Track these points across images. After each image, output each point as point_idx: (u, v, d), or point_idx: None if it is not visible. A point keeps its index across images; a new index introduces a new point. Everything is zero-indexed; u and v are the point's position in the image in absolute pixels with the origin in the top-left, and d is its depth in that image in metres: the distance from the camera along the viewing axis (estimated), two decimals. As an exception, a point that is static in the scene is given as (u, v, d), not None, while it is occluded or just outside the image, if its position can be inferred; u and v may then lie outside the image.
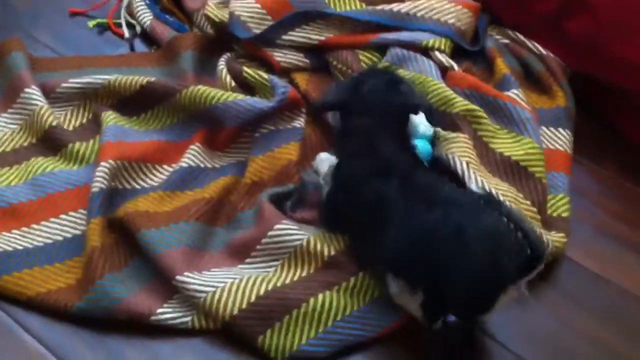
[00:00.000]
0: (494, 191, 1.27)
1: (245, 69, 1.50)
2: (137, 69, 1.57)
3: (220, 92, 1.43)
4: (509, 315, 1.23)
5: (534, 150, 1.36)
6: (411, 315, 1.15)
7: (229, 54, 1.56)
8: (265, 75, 1.49)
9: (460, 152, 1.32)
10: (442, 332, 1.13)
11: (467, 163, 1.30)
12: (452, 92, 1.42)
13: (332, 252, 1.23)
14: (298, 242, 1.24)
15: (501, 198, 1.26)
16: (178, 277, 1.20)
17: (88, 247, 1.22)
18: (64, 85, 1.50)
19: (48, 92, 1.50)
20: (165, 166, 1.39)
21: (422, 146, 1.26)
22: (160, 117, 1.47)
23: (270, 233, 1.25)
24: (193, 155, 1.39)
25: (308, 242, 1.24)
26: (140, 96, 1.48)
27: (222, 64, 1.52)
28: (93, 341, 1.19)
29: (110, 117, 1.44)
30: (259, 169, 1.37)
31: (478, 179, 1.28)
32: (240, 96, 1.43)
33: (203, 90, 1.44)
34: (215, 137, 1.42)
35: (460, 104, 1.39)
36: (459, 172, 1.29)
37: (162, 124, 1.46)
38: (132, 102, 1.48)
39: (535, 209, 1.31)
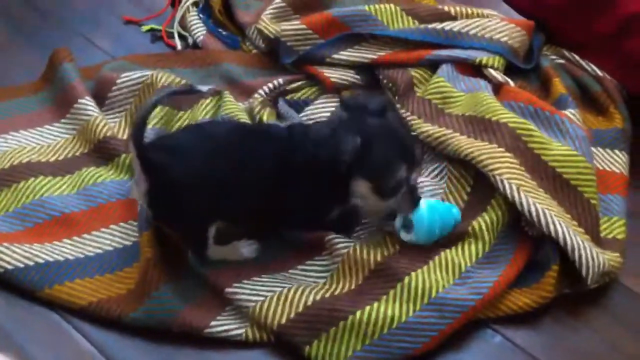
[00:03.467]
0: (547, 213, 1.25)
1: (265, 113, 1.48)
2: (170, 69, 1.58)
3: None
4: (558, 337, 1.22)
5: (586, 170, 1.33)
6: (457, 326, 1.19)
7: (271, 85, 1.54)
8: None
9: (508, 173, 1.30)
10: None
11: (518, 187, 1.28)
12: (501, 105, 1.40)
13: (379, 259, 1.24)
14: (345, 250, 1.24)
15: (554, 218, 1.25)
16: (228, 289, 1.21)
17: (143, 259, 1.22)
18: (114, 88, 1.52)
19: (102, 99, 1.51)
20: None
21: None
22: (199, 115, 1.48)
23: (323, 252, 1.27)
24: None
25: (355, 249, 1.24)
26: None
27: (257, 96, 1.52)
28: (145, 346, 1.20)
29: (151, 116, 1.42)
30: None
31: (530, 201, 1.26)
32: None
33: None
34: None
35: (508, 116, 1.38)
36: (509, 195, 1.27)
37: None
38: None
39: (582, 230, 1.29)
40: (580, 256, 1.23)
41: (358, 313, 1.18)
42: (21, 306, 1.24)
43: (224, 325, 1.19)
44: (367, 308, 1.18)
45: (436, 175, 1.40)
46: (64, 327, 1.22)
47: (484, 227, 1.28)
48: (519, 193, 1.27)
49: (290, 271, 1.26)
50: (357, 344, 1.16)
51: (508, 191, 1.28)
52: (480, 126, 1.38)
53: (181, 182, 1.17)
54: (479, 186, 1.34)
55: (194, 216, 1.20)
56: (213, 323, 1.19)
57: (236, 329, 1.19)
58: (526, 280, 1.26)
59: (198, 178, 1.17)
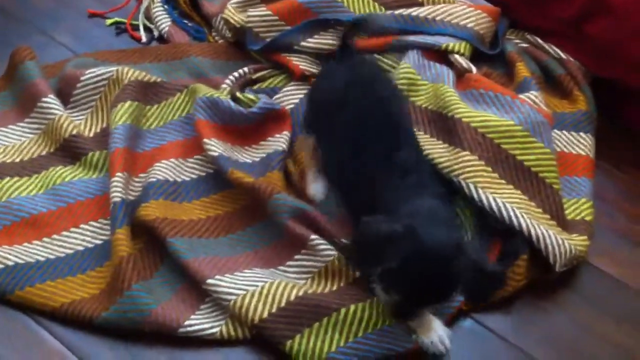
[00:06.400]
0: (508, 206, 1.27)
1: (238, 94, 1.49)
2: (135, 64, 1.56)
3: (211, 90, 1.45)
4: (529, 320, 1.24)
5: (545, 155, 1.35)
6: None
7: (236, 74, 1.54)
8: (252, 97, 1.48)
9: (466, 173, 1.31)
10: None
11: (475, 185, 1.29)
12: (459, 99, 1.41)
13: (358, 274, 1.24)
14: (329, 258, 1.24)
15: (515, 211, 1.27)
16: (209, 281, 1.20)
17: (115, 257, 1.21)
18: (79, 85, 1.50)
19: (66, 96, 1.49)
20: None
21: None
22: (171, 111, 1.48)
23: (302, 251, 1.26)
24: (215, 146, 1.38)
25: (338, 258, 1.24)
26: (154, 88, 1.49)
27: (225, 86, 1.52)
28: (117, 345, 1.19)
29: (120, 113, 1.42)
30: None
31: (490, 198, 1.28)
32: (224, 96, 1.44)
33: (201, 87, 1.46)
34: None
35: (464, 110, 1.38)
36: (469, 195, 1.29)
37: (172, 117, 1.47)
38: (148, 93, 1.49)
39: (547, 216, 1.30)
40: (546, 245, 1.25)
41: (343, 310, 1.18)
42: None
43: (198, 324, 1.19)
44: (352, 307, 1.18)
45: None
46: (34, 329, 1.21)
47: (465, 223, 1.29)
48: (477, 191, 1.29)
49: (271, 269, 1.26)
50: (340, 340, 1.16)
51: (467, 191, 1.29)
52: (440, 124, 1.39)
53: None
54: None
55: None
56: (187, 322, 1.18)
57: (210, 327, 1.19)
58: None
59: None
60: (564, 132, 1.46)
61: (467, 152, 1.33)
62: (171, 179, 1.35)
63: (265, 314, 1.18)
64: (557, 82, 1.54)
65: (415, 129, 1.35)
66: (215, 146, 1.37)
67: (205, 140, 1.38)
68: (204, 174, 1.39)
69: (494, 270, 1.10)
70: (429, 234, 1.06)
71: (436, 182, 1.21)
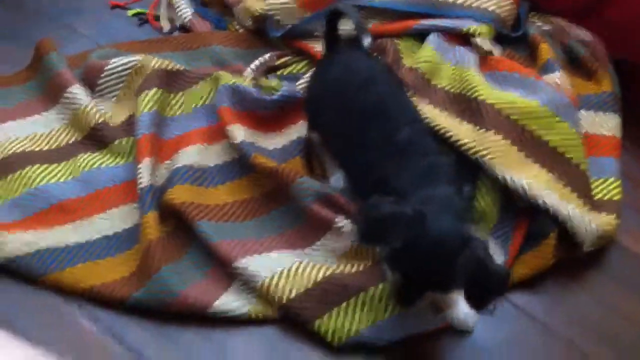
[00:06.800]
0: (535, 186, 1.27)
1: (261, 81, 1.50)
2: (157, 54, 1.57)
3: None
4: (557, 299, 1.24)
5: (570, 136, 1.35)
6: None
7: (258, 62, 1.54)
8: (274, 83, 1.49)
9: (491, 154, 1.30)
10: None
11: (502, 165, 1.29)
12: (484, 81, 1.41)
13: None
14: (354, 240, 1.24)
15: (542, 190, 1.26)
16: (237, 263, 1.21)
17: (144, 241, 1.22)
18: (103, 75, 1.51)
19: (91, 86, 1.50)
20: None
21: None
22: (194, 99, 1.49)
23: (327, 233, 1.26)
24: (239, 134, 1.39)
25: None
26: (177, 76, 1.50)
27: (249, 71, 1.53)
28: (149, 325, 1.20)
29: (145, 101, 1.43)
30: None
31: (516, 178, 1.27)
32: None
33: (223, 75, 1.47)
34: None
35: (488, 92, 1.38)
36: (496, 175, 1.28)
37: (196, 105, 1.48)
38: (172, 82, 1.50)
39: (575, 195, 1.30)
40: (573, 224, 1.25)
41: (371, 289, 1.19)
42: (22, 292, 1.23)
43: (227, 304, 1.20)
44: (380, 286, 1.19)
45: None
46: (64, 308, 1.21)
47: (485, 208, 1.29)
48: (503, 171, 1.29)
49: (298, 251, 1.26)
50: (368, 320, 1.17)
51: (493, 171, 1.29)
52: (464, 106, 1.39)
53: None
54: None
55: None
56: (216, 303, 1.19)
57: (239, 308, 1.20)
58: (524, 250, 1.27)
59: None
60: (590, 112, 1.46)
61: (492, 132, 1.33)
62: (196, 165, 1.36)
63: (294, 294, 1.19)
64: (581, 64, 1.53)
65: (437, 111, 1.35)
66: (238, 132, 1.38)
67: (228, 127, 1.39)
68: (229, 159, 1.39)
69: (498, 270, 1.07)
70: (437, 221, 1.06)
71: (437, 147, 1.21)
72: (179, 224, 1.27)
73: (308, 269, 1.21)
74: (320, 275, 1.20)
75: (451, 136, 1.34)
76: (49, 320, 1.20)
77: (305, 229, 1.28)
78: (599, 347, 1.19)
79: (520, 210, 1.29)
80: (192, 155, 1.38)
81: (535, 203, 1.27)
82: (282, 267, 1.21)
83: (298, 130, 1.42)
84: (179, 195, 1.28)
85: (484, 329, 1.18)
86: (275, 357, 1.17)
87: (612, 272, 1.29)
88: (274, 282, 1.19)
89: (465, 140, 1.33)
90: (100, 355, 1.16)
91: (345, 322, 1.17)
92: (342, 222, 1.26)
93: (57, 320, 1.20)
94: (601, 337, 1.21)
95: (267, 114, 1.45)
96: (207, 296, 1.19)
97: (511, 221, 1.29)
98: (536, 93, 1.39)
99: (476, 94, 1.39)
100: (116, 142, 1.41)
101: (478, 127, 1.35)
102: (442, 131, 1.34)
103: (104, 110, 1.48)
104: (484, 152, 1.31)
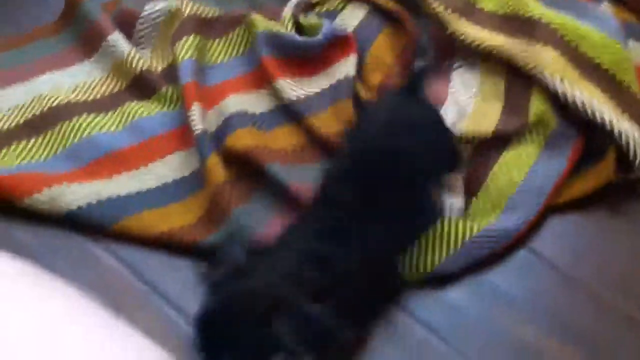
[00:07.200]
0: (593, 101, 1.27)
1: (301, 19, 1.48)
2: None
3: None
4: (583, 251, 1.23)
5: (622, 56, 1.35)
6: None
7: (294, 0, 1.52)
8: (315, 20, 1.46)
9: (550, 68, 1.31)
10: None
11: (562, 78, 1.29)
12: (534, 1, 1.40)
13: None
14: None
15: (600, 105, 1.27)
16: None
17: (212, 184, 1.21)
18: (140, 22, 1.48)
19: (127, 34, 1.47)
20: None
21: None
22: (234, 46, 1.47)
23: None
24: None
25: None
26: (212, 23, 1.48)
27: (287, 10, 1.50)
28: (176, 263, 1.18)
29: (185, 48, 1.41)
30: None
31: (574, 90, 1.28)
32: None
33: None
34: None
35: (540, 11, 1.38)
36: (552, 87, 1.29)
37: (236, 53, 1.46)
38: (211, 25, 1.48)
39: (627, 115, 1.30)
40: (629, 141, 1.26)
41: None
42: (47, 231, 1.21)
43: None
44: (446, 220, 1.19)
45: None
46: (90, 248, 1.19)
47: (541, 114, 1.29)
48: (562, 83, 1.29)
49: None
50: (442, 252, 1.17)
51: (551, 84, 1.29)
52: (515, 23, 1.38)
53: None
54: (514, 86, 1.36)
55: None
56: None
57: None
58: (585, 166, 1.28)
59: None
60: (637, 43, 1.45)
61: (550, 47, 1.34)
62: (250, 111, 1.35)
63: None
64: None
65: (486, 32, 1.36)
66: (290, 91, 1.37)
67: (275, 83, 1.37)
68: (275, 105, 1.38)
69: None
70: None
71: None
72: (243, 168, 1.25)
73: None
74: None
75: (499, 50, 1.33)
76: (72, 258, 1.18)
77: None
78: (625, 300, 1.18)
79: (578, 126, 1.30)
80: (240, 102, 1.36)
81: (590, 117, 1.27)
82: None
83: (344, 68, 1.40)
84: (242, 139, 1.27)
85: (507, 279, 1.18)
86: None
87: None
88: None
89: (520, 55, 1.33)
90: (123, 292, 1.15)
91: (420, 260, 1.17)
92: None
93: (81, 258, 1.18)
94: (628, 291, 1.19)
95: (310, 57, 1.43)
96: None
97: (568, 137, 1.30)
98: (588, 17, 1.39)
99: (529, 13, 1.38)
100: (163, 89, 1.39)
101: (534, 42, 1.35)
102: (489, 49, 1.34)
103: (145, 58, 1.45)
104: (540, 66, 1.31)
